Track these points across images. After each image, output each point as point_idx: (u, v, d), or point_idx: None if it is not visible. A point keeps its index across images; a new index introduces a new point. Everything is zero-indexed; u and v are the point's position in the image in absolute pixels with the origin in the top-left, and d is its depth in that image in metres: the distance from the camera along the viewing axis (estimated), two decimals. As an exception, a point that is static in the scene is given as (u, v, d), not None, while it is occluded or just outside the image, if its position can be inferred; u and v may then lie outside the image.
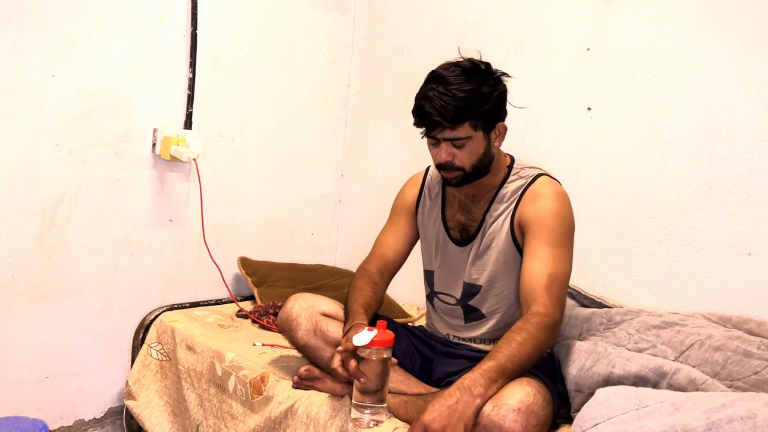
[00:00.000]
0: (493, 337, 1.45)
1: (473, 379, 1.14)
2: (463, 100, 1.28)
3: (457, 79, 1.29)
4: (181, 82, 1.99)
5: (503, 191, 1.42)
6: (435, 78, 1.32)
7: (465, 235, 1.46)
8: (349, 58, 2.50)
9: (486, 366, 1.17)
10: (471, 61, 1.34)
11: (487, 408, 1.15)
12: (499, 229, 1.40)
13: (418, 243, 1.60)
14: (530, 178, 1.41)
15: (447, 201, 1.52)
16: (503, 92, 1.36)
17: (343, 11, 2.45)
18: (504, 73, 1.37)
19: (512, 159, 1.47)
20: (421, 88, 1.34)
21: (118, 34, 1.82)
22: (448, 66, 1.33)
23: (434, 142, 1.35)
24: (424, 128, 1.34)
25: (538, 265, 1.31)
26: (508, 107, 1.39)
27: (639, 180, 1.74)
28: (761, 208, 1.54)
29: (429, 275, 1.54)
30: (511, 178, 1.43)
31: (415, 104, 1.34)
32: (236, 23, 2.11)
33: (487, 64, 1.35)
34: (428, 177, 1.57)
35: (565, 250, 1.34)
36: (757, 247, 1.55)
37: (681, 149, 1.66)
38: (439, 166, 1.37)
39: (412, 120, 1.36)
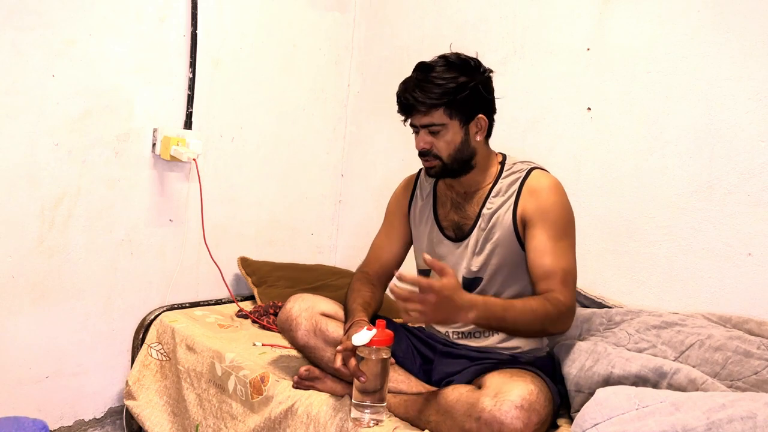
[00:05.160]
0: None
1: (473, 300, 1.20)
2: (438, 87, 1.32)
3: (439, 68, 1.34)
4: (181, 82, 1.99)
5: (498, 186, 1.43)
6: (420, 67, 1.38)
7: (460, 233, 1.47)
8: (349, 58, 2.50)
9: (492, 301, 1.25)
10: (458, 54, 1.38)
11: (488, 403, 1.15)
12: (500, 222, 1.40)
13: None
14: (524, 172, 1.42)
15: (439, 200, 1.52)
16: (485, 85, 1.38)
17: (343, 11, 2.45)
18: (490, 70, 1.40)
19: (504, 156, 1.48)
20: (407, 77, 1.39)
21: (118, 34, 1.82)
22: (436, 58, 1.38)
23: (415, 129, 1.41)
24: (404, 115, 1.39)
25: (549, 261, 1.33)
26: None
27: (639, 180, 1.74)
28: (761, 208, 1.54)
29: (424, 274, 1.53)
30: (504, 173, 1.44)
31: (397, 91, 1.39)
32: (236, 23, 2.11)
33: (477, 60, 1.39)
34: (420, 177, 1.59)
35: (570, 241, 1.37)
36: (757, 247, 1.55)
37: (681, 149, 1.66)
38: (420, 154, 1.42)
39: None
